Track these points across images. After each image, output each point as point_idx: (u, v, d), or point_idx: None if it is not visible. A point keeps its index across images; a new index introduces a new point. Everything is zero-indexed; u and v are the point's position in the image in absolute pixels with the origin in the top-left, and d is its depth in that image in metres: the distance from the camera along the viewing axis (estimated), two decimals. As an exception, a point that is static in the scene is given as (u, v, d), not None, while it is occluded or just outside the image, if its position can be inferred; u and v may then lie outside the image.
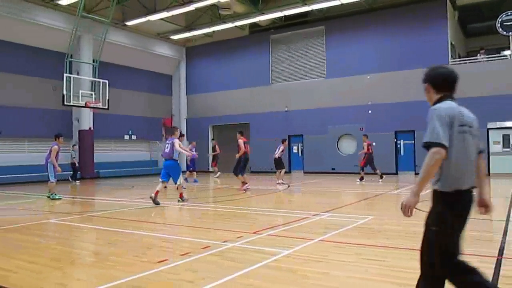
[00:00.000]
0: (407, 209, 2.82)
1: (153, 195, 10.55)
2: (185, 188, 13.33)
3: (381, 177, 16.93)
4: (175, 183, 11.11)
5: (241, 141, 14.01)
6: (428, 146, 2.81)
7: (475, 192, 2.99)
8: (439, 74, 3.13)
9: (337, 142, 23.09)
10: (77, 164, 19.93)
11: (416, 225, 5.43)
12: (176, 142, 10.95)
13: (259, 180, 18.71)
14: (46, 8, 20.63)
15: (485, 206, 3.13)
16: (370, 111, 21.91)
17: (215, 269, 4.69)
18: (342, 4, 20.83)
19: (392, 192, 13.25)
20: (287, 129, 24.28)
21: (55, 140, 12.62)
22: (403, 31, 21.38)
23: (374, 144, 18.46)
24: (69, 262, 5.29)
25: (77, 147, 20.94)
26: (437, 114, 2.87)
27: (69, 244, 6.59)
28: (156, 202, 10.47)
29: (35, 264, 5.11)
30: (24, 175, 19.73)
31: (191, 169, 18.27)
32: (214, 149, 21.24)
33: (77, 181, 19.63)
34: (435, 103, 3.04)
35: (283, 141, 17.20)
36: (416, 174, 19.36)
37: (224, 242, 6.03)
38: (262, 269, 4.67)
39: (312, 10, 22.19)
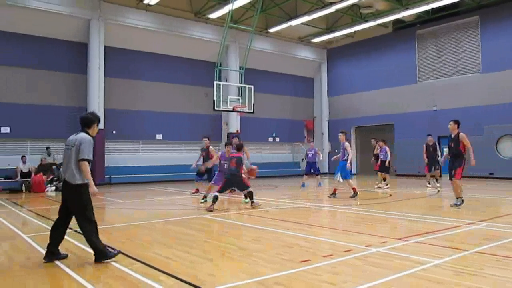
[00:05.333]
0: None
1: None
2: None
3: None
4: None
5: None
6: (81, 160, 5.07)
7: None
8: (81, 117, 5.35)
9: (496, 144, 20.71)
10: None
11: None
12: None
13: (406, 184, 17.74)
14: (198, 23, 22.70)
15: None
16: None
17: (358, 274, 4.58)
18: (500, -10, 18.63)
19: None
20: (435, 130, 22.50)
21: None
22: None
23: None
24: (219, 255, 5.70)
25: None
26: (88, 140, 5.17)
27: (219, 238, 7.11)
28: None
29: (190, 254, 5.62)
30: (182, 174, 21.93)
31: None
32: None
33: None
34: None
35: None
36: None
37: (367, 246, 5.86)
38: (408, 278, 4.40)
39: (463, 0, 20.25)
